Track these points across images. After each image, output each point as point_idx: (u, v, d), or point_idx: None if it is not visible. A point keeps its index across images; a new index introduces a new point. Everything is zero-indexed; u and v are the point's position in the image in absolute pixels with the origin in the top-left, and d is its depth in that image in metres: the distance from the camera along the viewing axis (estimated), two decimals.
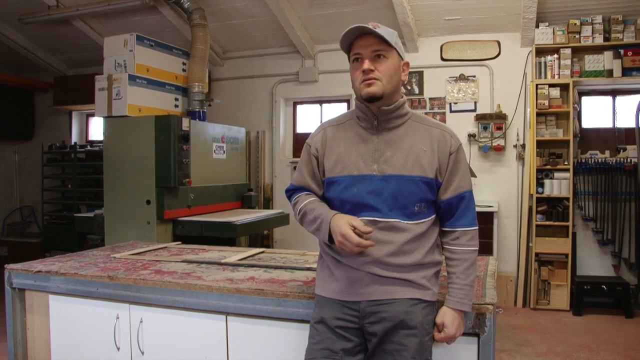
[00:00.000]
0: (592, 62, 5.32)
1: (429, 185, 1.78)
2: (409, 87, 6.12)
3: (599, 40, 5.24)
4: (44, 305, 2.61)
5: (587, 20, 5.27)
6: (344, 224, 1.70)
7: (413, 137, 1.81)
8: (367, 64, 1.74)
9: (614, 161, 5.37)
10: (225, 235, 4.40)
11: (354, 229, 1.69)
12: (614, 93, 5.71)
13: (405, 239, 1.76)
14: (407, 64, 1.84)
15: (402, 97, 1.85)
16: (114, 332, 2.43)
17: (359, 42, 1.77)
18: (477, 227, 1.86)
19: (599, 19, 5.23)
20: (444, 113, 5.99)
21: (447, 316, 1.79)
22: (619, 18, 5.17)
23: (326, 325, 1.81)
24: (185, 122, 4.62)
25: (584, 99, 5.77)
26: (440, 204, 1.83)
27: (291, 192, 2.01)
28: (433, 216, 1.84)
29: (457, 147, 1.82)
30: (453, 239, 1.83)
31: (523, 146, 5.69)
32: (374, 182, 1.78)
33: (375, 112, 1.80)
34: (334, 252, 1.84)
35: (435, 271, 1.84)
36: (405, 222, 1.77)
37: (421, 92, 6.09)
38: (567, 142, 5.37)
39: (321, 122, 1.84)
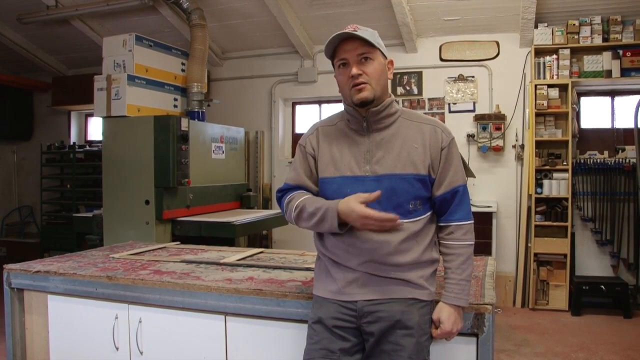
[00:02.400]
0: (590, 62, 5.33)
1: (423, 182, 1.78)
2: (407, 88, 6.13)
3: (598, 40, 5.24)
4: (42, 305, 2.61)
5: (586, 21, 5.27)
6: (356, 205, 1.67)
7: (404, 135, 1.81)
8: (355, 69, 1.74)
9: (613, 161, 5.37)
10: (224, 236, 4.39)
11: (366, 205, 1.67)
12: (612, 93, 5.71)
13: (401, 238, 1.76)
14: (391, 61, 1.85)
15: (389, 96, 1.85)
16: (113, 332, 2.42)
17: (343, 47, 1.76)
18: (471, 221, 1.85)
19: (597, 19, 5.24)
20: (442, 113, 5.99)
21: (443, 312, 1.79)
22: (618, 19, 5.18)
23: (324, 326, 1.81)
24: (184, 122, 4.61)
25: (583, 99, 5.78)
26: (435, 199, 1.82)
27: (284, 191, 1.96)
28: (429, 213, 1.84)
29: (448, 141, 1.81)
30: (448, 234, 1.83)
31: (522, 146, 5.70)
32: (367, 183, 1.77)
33: (364, 114, 1.81)
34: (330, 253, 1.84)
35: (433, 270, 1.84)
36: (401, 220, 1.76)
37: (420, 92, 6.09)
38: (566, 142, 5.37)
39: (302, 138, 1.85)
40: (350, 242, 1.78)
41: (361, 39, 1.73)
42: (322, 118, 2.06)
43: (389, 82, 1.88)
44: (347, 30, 1.73)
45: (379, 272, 1.77)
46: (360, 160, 1.80)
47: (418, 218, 1.80)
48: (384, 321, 1.75)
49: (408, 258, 1.77)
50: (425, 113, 5.82)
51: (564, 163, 5.39)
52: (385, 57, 1.82)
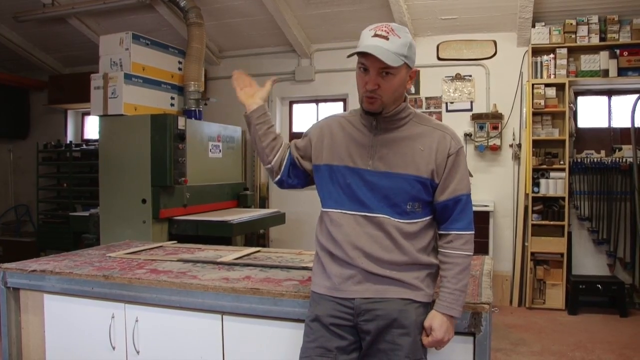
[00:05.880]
0: (588, 62, 5.34)
1: (423, 185, 1.78)
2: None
3: (595, 40, 5.26)
4: (38, 304, 2.60)
5: (583, 20, 5.28)
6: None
7: (412, 137, 1.81)
8: (371, 84, 1.71)
9: (610, 161, 5.38)
10: (221, 235, 4.38)
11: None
12: (609, 93, 5.72)
13: (395, 236, 1.76)
14: (414, 72, 1.81)
15: (405, 100, 1.84)
16: (110, 331, 2.42)
17: (367, 56, 1.70)
18: (472, 232, 1.83)
19: (595, 19, 5.25)
20: (440, 112, 6.00)
21: (435, 320, 1.78)
22: (615, 18, 5.19)
23: (321, 323, 1.80)
24: (181, 121, 4.60)
25: (580, 98, 5.78)
26: (436, 205, 1.82)
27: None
28: (428, 217, 1.83)
29: (456, 149, 1.80)
30: (447, 242, 1.82)
31: (519, 146, 5.70)
32: (367, 177, 1.79)
33: (375, 116, 1.81)
34: (330, 245, 1.83)
35: (429, 272, 1.83)
36: (396, 219, 1.77)
37: (417, 91, 6.09)
38: (563, 141, 5.38)
39: (317, 121, 1.92)
40: (347, 233, 1.79)
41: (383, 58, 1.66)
42: (320, 117, 2.09)
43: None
44: (376, 41, 1.67)
45: (375, 269, 1.76)
46: (364, 154, 1.81)
47: (415, 220, 1.80)
48: (381, 319, 1.75)
49: (403, 258, 1.77)
50: (422, 112, 5.86)
51: (561, 162, 5.40)
52: (410, 67, 1.77)
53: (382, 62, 1.66)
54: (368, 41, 1.69)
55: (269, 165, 2.01)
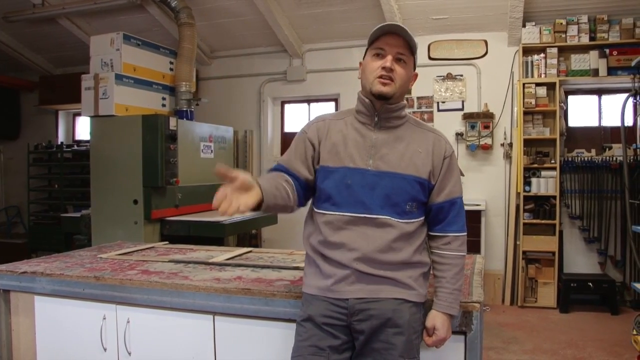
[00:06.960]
0: (578, 61, 5.37)
1: (422, 185, 1.80)
2: None
3: (585, 39, 5.29)
4: (29, 306, 2.58)
5: (573, 20, 5.32)
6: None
7: (409, 139, 1.84)
8: (390, 62, 1.77)
9: (600, 160, 5.42)
10: (213, 235, 4.37)
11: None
12: (599, 92, 5.76)
13: (394, 236, 1.77)
14: (416, 75, 1.91)
15: (404, 100, 1.91)
16: (101, 332, 2.40)
17: (387, 39, 1.79)
18: (466, 234, 1.88)
19: (584, 18, 5.29)
20: (431, 112, 6.02)
21: (437, 319, 1.81)
22: (604, 18, 5.23)
23: (313, 323, 1.80)
24: (172, 122, 4.59)
25: (570, 97, 5.82)
26: (431, 206, 1.84)
27: (272, 170, 1.92)
28: (422, 218, 1.85)
29: (450, 152, 1.86)
30: (444, 244, 1.84)
31: (510, 145, 5.73)
32: (368, 177, 1.79)
33: (378, 109, 1.83)
34: (325, 248, 1.83)
35: (422, 272, 1.84)
36: (396, 219, 1.78)
37: (408, 91, 6.09)
38: (554, 140, 5.41)
39: (308, 122, 1.88)
40: (344, 235, 1.78)
41: (407, 40, 1.78)
42: (312, 117, 2.06)
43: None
44: (400, 24, 1.79)
45: (370, 269, 1.77)
46: (364, 154, 1.82)
47: (413, 220, 1.81)
48: (375, 319, 1.75)
49: (399, 257, 1.77)
50: (414, 112, 5.92)
51: (552, 161, 5.43)
52: (414, 69, 1.88)
53: (402, 47, 1.78)
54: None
55: (292, 211, 1.87)
